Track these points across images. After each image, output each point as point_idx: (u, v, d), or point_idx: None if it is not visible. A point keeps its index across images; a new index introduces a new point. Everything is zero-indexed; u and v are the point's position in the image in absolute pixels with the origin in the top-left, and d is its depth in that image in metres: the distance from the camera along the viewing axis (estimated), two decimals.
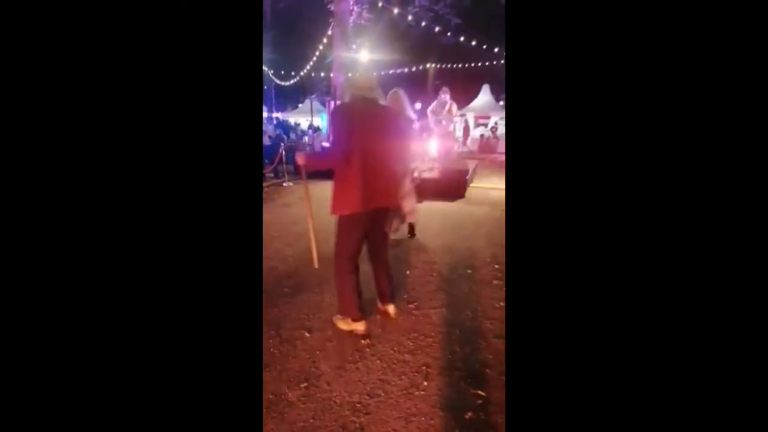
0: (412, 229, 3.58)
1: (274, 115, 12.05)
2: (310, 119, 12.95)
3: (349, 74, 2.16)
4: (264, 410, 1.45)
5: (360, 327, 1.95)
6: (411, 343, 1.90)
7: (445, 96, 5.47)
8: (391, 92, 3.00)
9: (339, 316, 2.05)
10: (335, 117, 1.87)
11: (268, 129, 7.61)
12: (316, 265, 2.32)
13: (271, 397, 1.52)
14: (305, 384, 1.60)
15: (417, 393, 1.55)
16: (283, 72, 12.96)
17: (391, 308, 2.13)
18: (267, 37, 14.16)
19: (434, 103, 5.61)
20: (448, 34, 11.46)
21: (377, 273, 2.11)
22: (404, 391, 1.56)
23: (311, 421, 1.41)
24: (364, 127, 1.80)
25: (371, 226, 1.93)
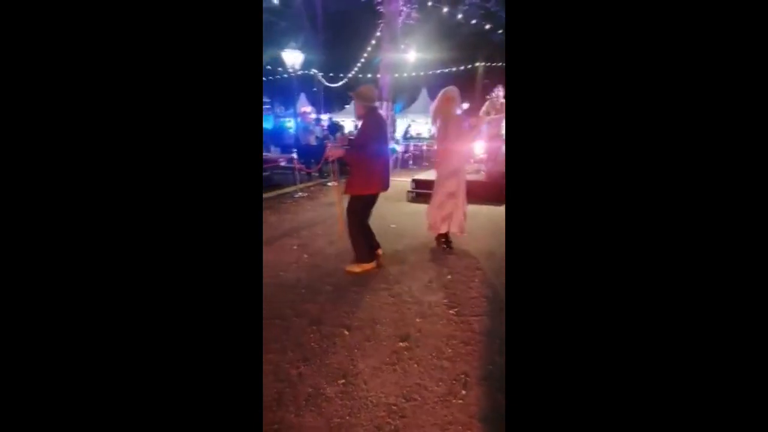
0: (448, 240, 3.24)
1: (325, 116, 12.45)
2: (355, 120, 13.19)
3: (359, 88, 2.64)
4: (303, 402, 1.50)
5: (370, 265, 2.78)
6: (450, 350, 1.86)
7: (499, 94, 5.27)
8: (445, 90, 2.97)
9: (354, 265, 2.76)
10: (365, 123, 2.55)
11: (316, 130, 7.85)
12: (340, 234, 3.25)
13: (309, 390, 1.57)
14: (343, 381, 1.63)
15: (454, 401, 1.51)
16: (332, 74, 13.33)
17: (379, 251, 2.91)
18: (318, 41, 14.65)
19: (486, 104, 5.44)
20: (500, 31, 11.07)
21: (371, 230, 2.87)
22: (441, 398, 1.53)
23: (347, 418, 1.43)
24: (378, 129, 2.55)
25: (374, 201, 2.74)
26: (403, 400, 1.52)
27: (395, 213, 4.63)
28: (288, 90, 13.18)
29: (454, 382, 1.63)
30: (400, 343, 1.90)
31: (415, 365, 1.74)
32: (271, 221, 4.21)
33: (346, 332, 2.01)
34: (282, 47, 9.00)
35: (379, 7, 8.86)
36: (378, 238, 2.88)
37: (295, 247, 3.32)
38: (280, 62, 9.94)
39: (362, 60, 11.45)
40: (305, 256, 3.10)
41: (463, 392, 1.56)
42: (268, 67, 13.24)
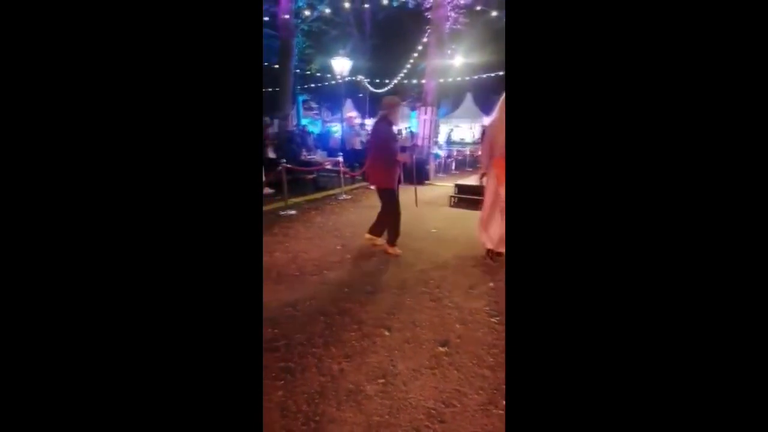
0: (497, 252, 3.13)
1: (369, 121, 12.70)
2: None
3: (384, 99, 3.17)
4: (344, 397, 1.55)
5: (399, 251, 3.29)
6: (491, 359, 1.82)
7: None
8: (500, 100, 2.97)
9: (390, 246, 3.28)
10: (391, 130, 3.11)
11: (361, 134, 8.03)
12: (416, 205, 4.52)
13: (350, 386, 1.62)
14: (382, 380, 1.66)
15: (495, 411, 1.48)
16: (377, 80, 13.56)
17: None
18: (365, 47, 14.99)
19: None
20: None
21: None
22: (481, 407, 1.51)
23: (386, 417, 1.45)
24: (384, 136, 3.11)
25: None
26: (443, 405, 1.52)
27: (437, 217, 4.60)
28: (335, 96, 13.60)
29: (495, 391, 1.59)
30: (440, 348, 1.90)
31: (455, 371, 1.73)
32: (317, 221, 4.37)
33: (387, 333, 2.04)
34: (331, 55, 9.33)
35: (426, 13, 8.90)
36: (419, 241, 2.92)
37: (338, 248, 3.42)
38: (328, 69, 10.31)
39: (408, 65, 11.53)
40: (348, 256, 3.18)
41: (504, 403, 1.52)
42: (318, 74, 13.77)
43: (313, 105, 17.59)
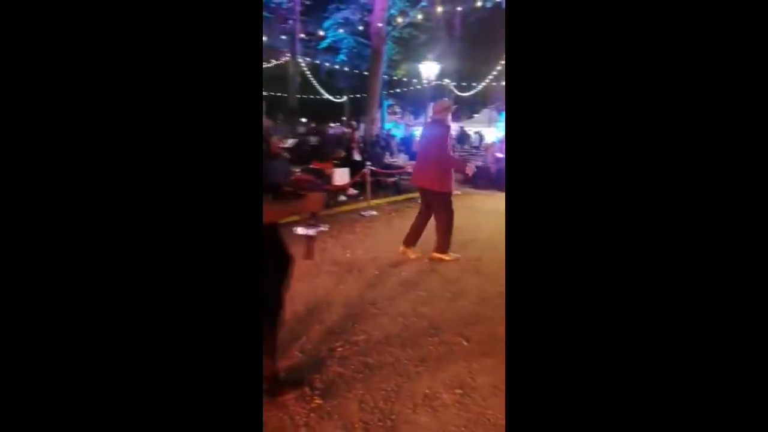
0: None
1: (453, 125, 12.56)
2: (479, 129, 12.83)
3: (435, 103, 3.21)
4: (419, 401, 1.55)
5: (456, 255, 3.18)
6: None
7: None
8: None
9: (442, 253, 3.11)
10: (444, 133, 3.03)
11: None
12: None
13: (426, 391, 1.61)
14: (460, 391, 1.61)
15: None
16: (464, 83, 13.30)
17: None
18: (453, 50, 14.81)
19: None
20: None
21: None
22: None
23: (463, 429, 1.41)
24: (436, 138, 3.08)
25: None
26: None
27: None
28: (419, 100, 13.72)
29: None
30: None
31: None
32: (396, 224, 4.45)
33: (465, 343, 1.99)
34: (419, 60, 9.43)
35: None
36: (496, 250, 2.75)
37: (417, 251, 3.44)
38: (414, 74, 10.44)
39: (499, 67, 11.08)
40: (426, 260, 3.18)
41: None
42: (404, 79, 14.05)
43: (397, 109, 17.99)
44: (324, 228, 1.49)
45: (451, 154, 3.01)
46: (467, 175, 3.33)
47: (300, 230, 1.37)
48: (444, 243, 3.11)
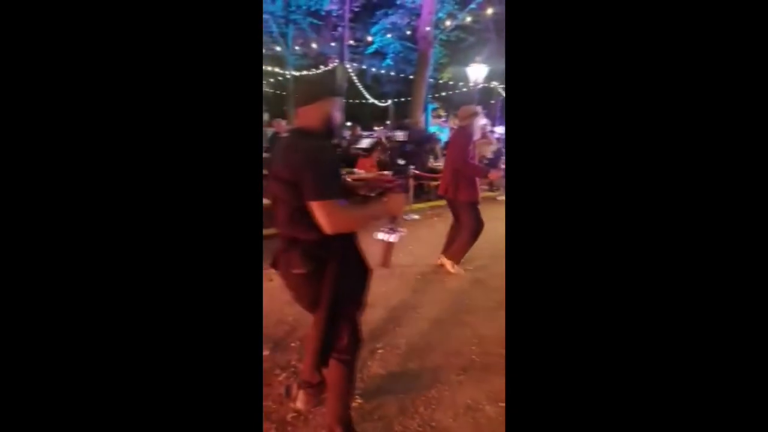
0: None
1: (500, 129, 12.20)
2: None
3: (460, 109, 3.07)
4: (461, 410, 1.52)
5: (461, 271, 3.01)
6: None
7: None
8: None
9: (455, 261, 2.99)
10: (469, 142, 2.88)
11: (493, 142, 7.74)
12: None
13: (468, 401, 1.58)
14: (503, 405, 1.56)
15: None
16: None
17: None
18: (502, 51, 14.40)
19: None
20: None
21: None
22: None
23: None
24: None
25: None
26: None
27: None
28: (464, 103, 13.47)
29: None
30: None
31: None
32: (439, 228, 4.41)
33: None
34: (466, 62, 9.28)
35: None
36: None
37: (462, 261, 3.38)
38: (460, 77, 10.29)
39: None
40: (470, 267, 3.11)
41: None
42: (450, 82, 13.90)
43: (442, 113, 17.82)
44: (403, 232, 1.34)
45: (471, 161, 2.85)
46: (492, 181, 3.22)
47: (380, 235, 1.24)
48: (458, 252, 2.99)
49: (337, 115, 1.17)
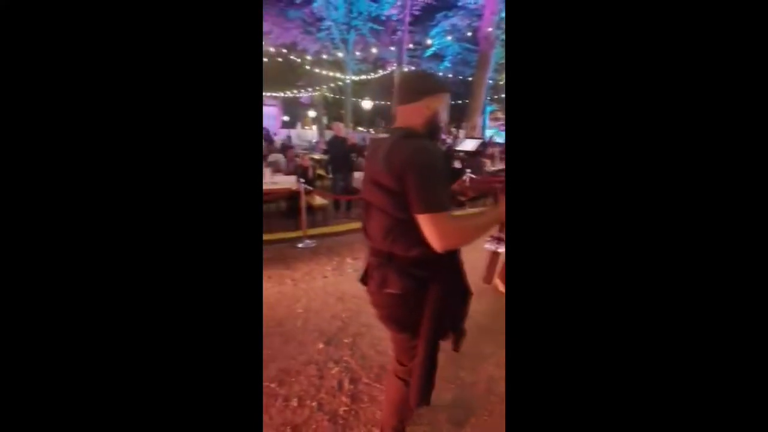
0: None
1: None
2: None
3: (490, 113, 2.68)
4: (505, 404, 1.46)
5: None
6: None
7: None
8: None
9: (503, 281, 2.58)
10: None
11: None
12: None
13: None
14: None
15: None
16: None
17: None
18: None
19: None
20: None
21: None
22: None
23: None
24: None
25: None
26: None
27: None
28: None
29: None
30: None
31: None
32: (493, 231, 4.27)
33: None
34: None
35: None
36: None
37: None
38: None
39: None
40: (496, 280, 2.97)
41: None
42: (501, 82, 13.37)
43: (500, 115, 17.20)
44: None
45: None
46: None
47: (487, 245, 1.12)
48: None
49: (444, 114, 1.03)
